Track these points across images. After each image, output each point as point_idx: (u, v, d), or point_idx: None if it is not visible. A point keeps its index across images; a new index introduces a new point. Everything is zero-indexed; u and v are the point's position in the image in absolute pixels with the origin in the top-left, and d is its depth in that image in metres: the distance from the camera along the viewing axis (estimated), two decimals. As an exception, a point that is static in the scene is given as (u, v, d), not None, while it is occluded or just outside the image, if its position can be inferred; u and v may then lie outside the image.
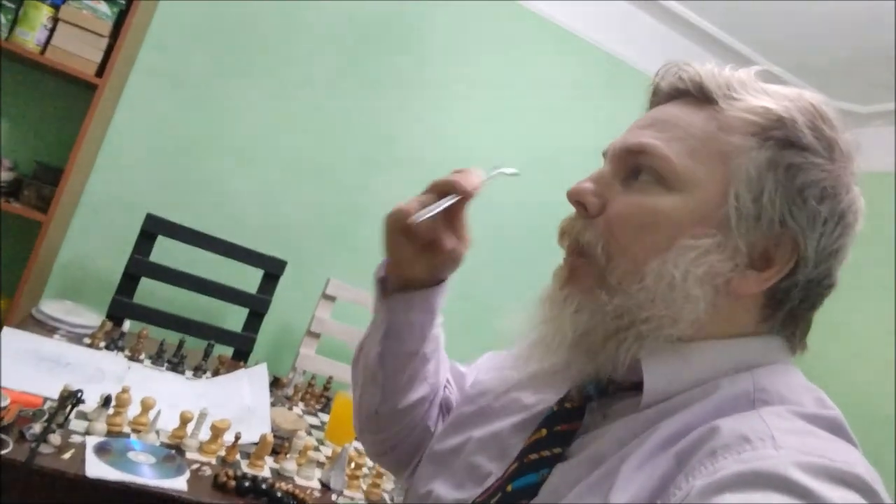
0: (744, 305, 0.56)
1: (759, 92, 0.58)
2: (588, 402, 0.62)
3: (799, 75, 2.89)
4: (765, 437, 0.46)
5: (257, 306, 2.15)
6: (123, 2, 1.90)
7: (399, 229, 0.66)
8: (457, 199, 0.64)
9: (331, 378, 1.95)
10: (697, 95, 0.59)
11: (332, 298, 2.27)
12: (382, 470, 1.40)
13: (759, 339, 0.57)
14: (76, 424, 1.15)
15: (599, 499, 0.51)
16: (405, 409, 0.78)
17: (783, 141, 0.55)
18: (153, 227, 1.99)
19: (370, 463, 1.50)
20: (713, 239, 0.55)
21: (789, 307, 0.56)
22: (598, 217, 0.60)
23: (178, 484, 1.10)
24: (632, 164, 0.59)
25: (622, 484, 0.50)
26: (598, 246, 0.58)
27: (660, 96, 0.64)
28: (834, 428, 0.50)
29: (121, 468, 1.06)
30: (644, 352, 0.56)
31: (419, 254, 0.69)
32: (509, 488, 0.59)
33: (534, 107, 2.79)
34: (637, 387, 0.57)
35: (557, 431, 0.61)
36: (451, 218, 0.68)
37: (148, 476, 1.08)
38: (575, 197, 0.61)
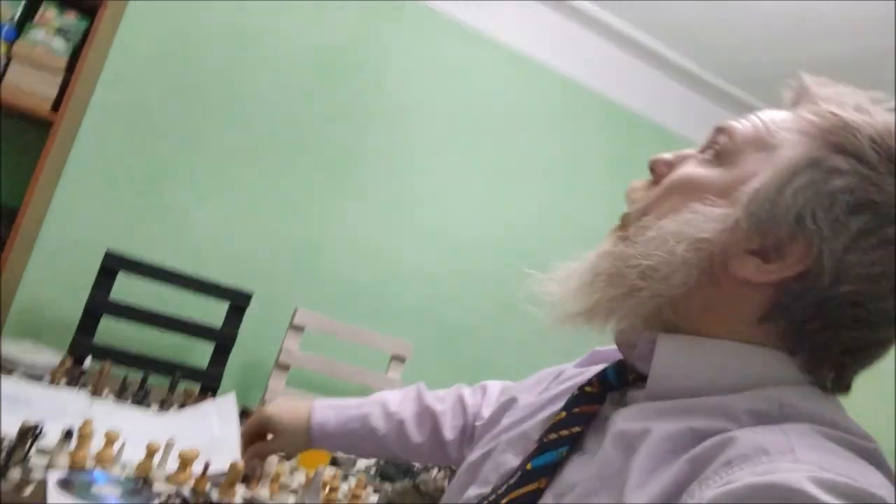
0: (745, 296, 0.55)
1: (852, 108, 0.56)
2: (609, 391, 0.64)
3: (744, 87, 3.01)
4: (784, 450, 0.44)
5: (223, 340, 2.11)
6: (78, 37, 1.89)
7: None
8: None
9: (302, 407, 1.92)
10: (795, 101, 0.62)
11: (300, 329, 2.24)
12: (358, 493, 1.38)
13: (780, 352, 0.55)
14: (37, 460, 1.11)
15: (612, 496, 0.51)
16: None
17: (836, 146, 0.54)
18: (113, 264, 1.95)
19: (345, 487, 1.48)
20: (720, 210, 0.55)
21: (793, 319, 0.54)
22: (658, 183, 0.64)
23: (146, 515, 1.06)
24: (711, 143, 0.63)
25: (634, 485, 0.49)
26: (639, 204, 0.64)
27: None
28: (869, 457, 0.47)
29: (85, 501, 1.03)
30: (661, 336, 0.58)
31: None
32: (529, 466, 0.60)
33: (492, 129, 2.84)
34: None
35: (576, 413, 0.63)
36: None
37: (114, 508, 1.04)
38: (650, 164, 0.66)
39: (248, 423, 1.14)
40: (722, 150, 0.60)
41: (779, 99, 0.64)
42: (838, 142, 0.53)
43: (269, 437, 1.11)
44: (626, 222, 0.64)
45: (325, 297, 2.51)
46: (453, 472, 1.76)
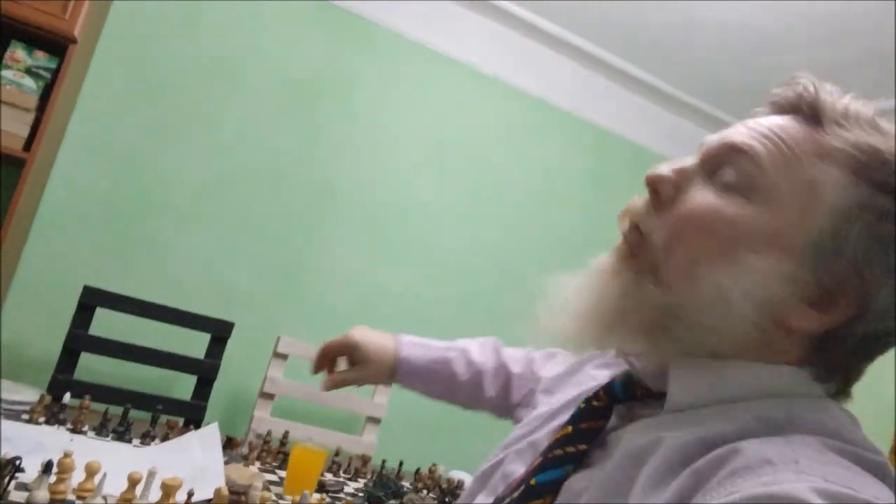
0: (793, 340, 0.54)
1: (872, 128, 0.55)
2: (615, 405, 0.63)
3: (709, 100, 3.08)
4: (789, 461, 0.44)
5: (205, 372, 2.09)
6: (49, 75, 1.90)
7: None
8: None
9: (287, 433, 1.90)
10: (808, 114, 0.57)
11: (283, 356, 2.23)
12: (345, 515, 1.37)
13: (798, 368, 0.54)
14: (16, 496, 1.09)
15: None
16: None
17: (881, 184, 0.52)
18: (91, 299, 1.94)
19: (332, 510, 1.46)
20: (784, 265, 0.52)
21: (839, 354, 0.54)
22: (667, 208, 0.58)
23: (129, 545, 1.05)
24: (722, 162, 0.57)
25: (640, 495, 0.50)
26: (660, 237, 0.57)
27: (773, 107, 0.61)
28: (875, 470, 0.47)
29: (66, 534, 1.01)
30: (675, 360, 0.56)
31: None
32: (532, 482, 0.60)
33: (465, 149, 2.88)
34: (664, 395, 0.57)
35: (583, 429, 0.62)
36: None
37: (96, 540, 1.03)
38: (652, 183, 0.59)
39: (329, 346, 1.11)
40: (747, 179, 0.55)
41: (747, 111, 0.59)
42: (883, 180, 0.52)
43: (341, 363, 1.11)
44: (634, 245, 0.60)
45: (307, 323, 2.51)
46: (443, 491, 1.75)
